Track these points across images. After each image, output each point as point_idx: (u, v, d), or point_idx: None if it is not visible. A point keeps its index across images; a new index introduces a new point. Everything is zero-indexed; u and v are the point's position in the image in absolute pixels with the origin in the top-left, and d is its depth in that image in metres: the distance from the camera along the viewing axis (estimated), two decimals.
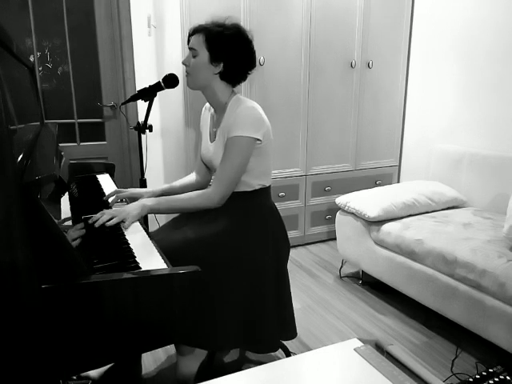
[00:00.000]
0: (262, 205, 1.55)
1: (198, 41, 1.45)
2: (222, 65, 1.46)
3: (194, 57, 1.46)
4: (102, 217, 1.25)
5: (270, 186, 1.59)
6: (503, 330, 1.66)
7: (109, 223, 1.24)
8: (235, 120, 1.43)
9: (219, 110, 1.54)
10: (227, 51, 1.45)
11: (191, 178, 1.73)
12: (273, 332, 1.49)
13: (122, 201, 1.53)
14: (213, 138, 1.57)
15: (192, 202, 1.43)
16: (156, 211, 1.40)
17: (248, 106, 1.45)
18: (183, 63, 1.50)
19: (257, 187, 1.53)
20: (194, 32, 1.47)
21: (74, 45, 2.75)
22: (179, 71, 2.48)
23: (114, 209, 1.33)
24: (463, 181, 2.65)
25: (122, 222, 1.28)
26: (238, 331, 1.41)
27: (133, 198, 1.48)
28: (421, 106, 3.18)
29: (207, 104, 1.69)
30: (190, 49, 1.47)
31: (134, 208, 1.34)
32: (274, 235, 1.53)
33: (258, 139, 1.44)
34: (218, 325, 1.38)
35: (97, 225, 1.22)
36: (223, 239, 1.42)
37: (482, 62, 2.66)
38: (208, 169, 1.71)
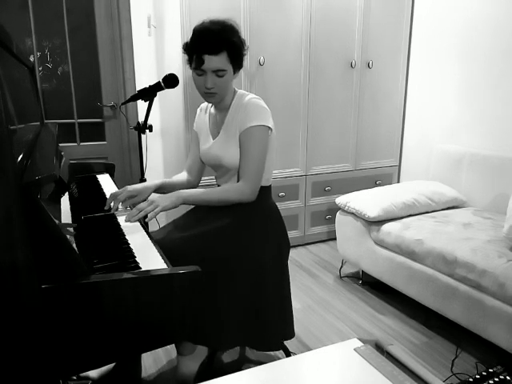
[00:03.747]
0: (262, 203, 1.55)
1: (223, 60, 1.38)
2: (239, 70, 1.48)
3: (222, 76, 1.40)
4: (138, 214, 1.30)
5: (270, 186, 1.60)
6: (503, 330, 1.66)
7: (138, 216, 1.30)
8: (246, 111, 1.45)
9: (223, 109, 1.55)
10: (243, 55, 1.46)
11: (183, 176, 1.72)
12: (275, 329, 1.49)
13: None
14: (215, 135, 1.57)
15: (226, 194, 1.43)
16: (189, 202, 1.41)
17: (254, 97, 1.49)
18: (208, 88, 1.41)
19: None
20: (215, 51, 1.36)
21: (74, 45, 2.75)
22: (179, 71, 2.48)
23: (143, 202, 1.35)
24: (463, 181, 2.64)
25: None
26: (241, 328, 1.41)
27: (132, 197, 1.46)
28: (421, 106, 3.18)
29: (202, 105, 1.69)
30: (216, 70, 1.39)
31: (167, 198, 1.35)
32: (275, 233, 1.53)
33: (270, 128, 1.47)
34: (220, 322, 1.38)
35: (133, 220, 1.30)
36: (224, 236, 1.42)
37: (483, 62, 2.66)
38: (202, 167, 1.71)
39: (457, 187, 2.67)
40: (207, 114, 1.64)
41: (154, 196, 1.40)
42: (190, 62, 1.44)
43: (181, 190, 1.43)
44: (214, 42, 1.35)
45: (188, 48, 1.42)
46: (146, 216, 1.33)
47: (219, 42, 1.36)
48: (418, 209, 2.36)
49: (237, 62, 1.44)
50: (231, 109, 1.51)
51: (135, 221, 1.31)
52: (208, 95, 1.45)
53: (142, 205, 1.33)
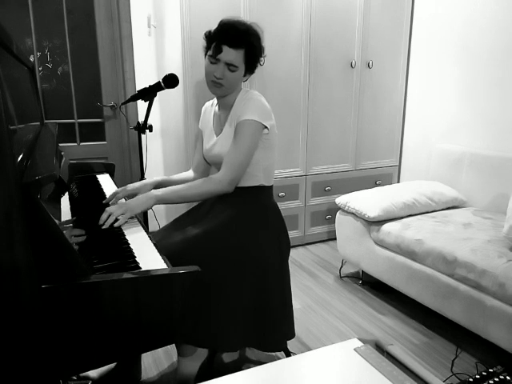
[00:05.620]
0: (263, 202, 1.56)
1: (238, 56, 1.42)
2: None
3: (232, 71, 1.43)
4: (108, 218, 1.25)
5: (272, 186, 1.61)
6: (503, 330, 1.66)
7: (108, 222, 1.24)
8: (245, 105, 1.46)
9: (227, 107, 1.55)
10: (258, 61, 1.49)
11: (189, 174, 1.73)
12: (278, 329, 1.49)
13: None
14: (219, 133, 1.58)
15: (201, 188, 1.41)
16: (164, 201, 1.38)
17: (258, 94, 1.50)
18: (217, 77, 1.43)
19: (261, 182, 1.54)
20: (235, 45, 1.41)
21: (74, 45, 2.75)
22: (179, 71, 2.48)
23: (116, 204, 1.33)
24: (463, 181, 2.64)
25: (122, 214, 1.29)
26: (242, 329, 1.41)
27: (132, 195, 1.48)
28: (421, 106, 3.18)
29: (207, 103, 1.70)
30: (229, 64, 1.42)
31: (138, 201, 1.33)
32: (276, 233, 1.53)
33: (266, 127, 1.47)
34: (221, 323, 1.37)
35: (105, 226, 1.23)
36: (224, 236, 1.42)
37: (482, 62, 2.66)
38: (208, 166, 1.72)
39: (457, 187, 2.67)
40: (212, 114, 1.64)
41: (128, 199, 1.37)
42: (206, 49, 1.47)
43: (154, 190, 1.41)
44: (237, 36, 1.40)
45: (210, 36, 1.46)
46: (115, 220, 1.26)
47: (241, 39, 1.41)
48: (418, 209, 2.36)
49: (250, 64, 1.48)
50: (234, 106, 1.52)
51: (108, 226, 1.23)
52: (214, 84, 1.46)
53: (111, 208, 1.27)
